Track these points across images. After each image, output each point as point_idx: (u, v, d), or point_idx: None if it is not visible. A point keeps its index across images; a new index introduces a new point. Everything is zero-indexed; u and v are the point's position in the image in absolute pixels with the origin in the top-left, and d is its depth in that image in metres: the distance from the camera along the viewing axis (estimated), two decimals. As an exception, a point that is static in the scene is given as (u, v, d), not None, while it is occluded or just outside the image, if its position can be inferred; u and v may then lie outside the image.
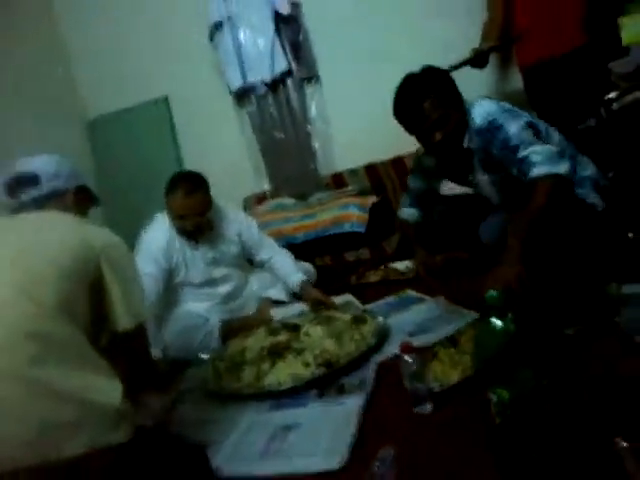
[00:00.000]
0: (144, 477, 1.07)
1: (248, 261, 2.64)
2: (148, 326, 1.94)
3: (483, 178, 1.92)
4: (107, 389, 1.09)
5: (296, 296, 2.44)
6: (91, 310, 1.17)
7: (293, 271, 2.44)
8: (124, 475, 1.04)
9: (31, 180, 1.37)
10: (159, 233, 2.28)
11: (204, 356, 1.95)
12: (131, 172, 3.65)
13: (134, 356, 1.33)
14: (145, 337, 1.34)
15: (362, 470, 1.11)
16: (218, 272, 2.41)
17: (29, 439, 0.98)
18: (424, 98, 1.78)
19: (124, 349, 1.27)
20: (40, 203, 1.37)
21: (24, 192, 1.37)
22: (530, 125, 1.72)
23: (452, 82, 1.87)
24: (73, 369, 1.06)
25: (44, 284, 1.10)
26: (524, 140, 1.67)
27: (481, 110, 1.81)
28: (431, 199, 2.28)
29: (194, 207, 2.22)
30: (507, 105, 1.83)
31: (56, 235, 1.21)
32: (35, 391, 1.01)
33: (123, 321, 1.22)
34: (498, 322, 0.94)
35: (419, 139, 1.92)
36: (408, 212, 2.29)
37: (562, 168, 1.59)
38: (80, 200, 1.47)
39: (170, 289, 2.30)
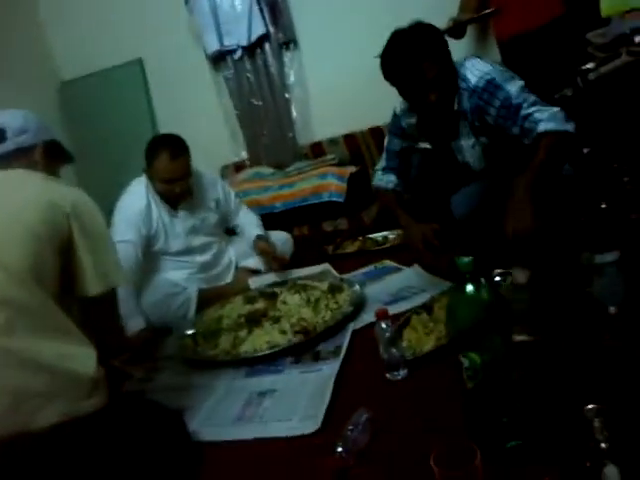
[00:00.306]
0: (120, 442, 1.07)
1: (227, 231, 2.63)
2: (128, 295, 1.97)
3: (468, 143, 1.86)
4: (81, 357, 1.07)
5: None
6: (60, 274, 1.13)
7: (252, 227, 2.48)
8: (99, 442, 1.04)
9: None
10: (137, 199, 2.23)
11: (189, 332, 1.94)
12: (104, 136, 3.55)
13: (102, 323, 1.28)
14: (115, 304, 1.30)
15: (336, 434, 1.13)
16: (197, 240, 2.39)
17: (1, 410, 0.97)
18: (420, 57, 1.67)
19: (92, 315, 1.23)
20: (6, 160, 1.29)
21: None
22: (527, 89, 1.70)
23: (444, 40, 1.77)
24: (44, 337, 1.04)
25: (10, 246, 1.06)
26: (527, 99, 1.64)
27: (475, 70, 1.74)
28: (409, 157, 2.13)
29: (180, 171, 2.19)
30: (500, 66, 1.79)
31: (23, 195, 1.16)
32: (5, 361, 0.99)
33: (93, 286, 1.18)
34: (471, 288, 0.96)
35: (410, 100, 1.84)
36: (386, 179, 2.12)
37: (570, 126, 1.57)
38: (49, 156, 1.38)
39: (148, 257, 2.28)
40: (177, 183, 2.19)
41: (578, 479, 0.88)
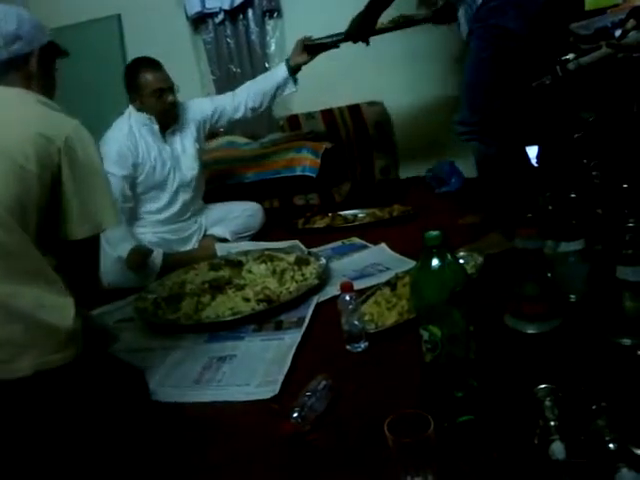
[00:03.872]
0: (84, 396, 1.04)
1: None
2: (119, 228, 2.05)
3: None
4: (59, 308, 1.01)
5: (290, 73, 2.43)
6: (45, 214, 1.04)
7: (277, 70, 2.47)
8: (63, 396, 1.00)
9: None
10: (119, 129, 2.26)
11: (150, 295, 1.92)
12: (76, 90, 3.44)
13: (82, 269, 1.19)
14: (98, 249, 1.21)
15: (293, 400, 1.13)
16: (181, 176, 2.39)
17: None
18: None
19: (73, 260, 1.15)
20: None
21: None
22: None
23: None
24: (23, 284, 0.97)
25: None
26: None
27: None
28: None
29: (167, 79, 2.27)
30: None
31: (12, 126, 1.03)
32: None
33: (79, 228, 1.08)
34: (437, 262, 0.96)
35: None
36: None
37: None
38: (46, 62, 1.23)
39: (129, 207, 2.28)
40: (167, 92, 2.25)
41: (525, 455, 0.90)
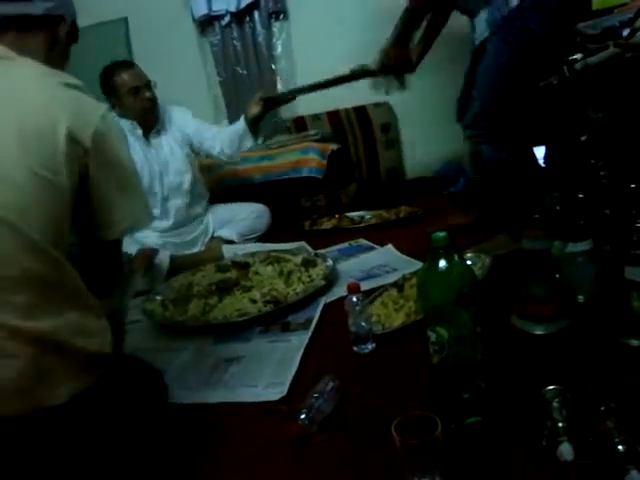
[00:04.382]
0: (112, 407, 1.00)
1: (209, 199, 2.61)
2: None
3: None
4: (100, 333, 0.96)
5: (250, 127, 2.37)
6: (73, 222, 0.95)
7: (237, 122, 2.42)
8: (96, 410, 0.96)
9: None
10: None
11: (158, 297, 1.93)
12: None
13: (107, 269, 1.11)
14: (121, 249, 1.13)
15: (300, 402, 1.14)
16: (171, 177, 2.39)
17: (22, 386, 0.86)
18: None
19: (100, 262, 1.07)
20: (26, 28, 1.03)
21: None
22: None
23: None
24: (62, 314, 0.90)
25: (24, 204, 0.84)
26: None
27: None
28: None
29: (142, 76, 2.27)
30: None
31: (38, 126, 0.88)
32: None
33: (110, 231, 1.01)
34: (444, 263, 0.96)
35: None
36: None
37: None
38: (70, 39, 1.13)
39: None
40: (144, 89, 2.26)
41: (533, 456, 0.90)
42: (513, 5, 1.67)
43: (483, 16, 1.75)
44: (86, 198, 0.96)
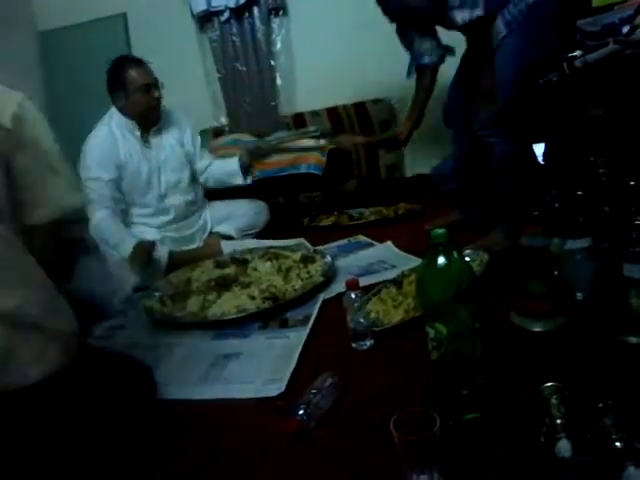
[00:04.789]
0: (89, 395, 1.03)
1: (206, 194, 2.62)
2: (117, 224, 2.16)
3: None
4: (65, 311, 1.01)
5: (242, 169, 2.50)
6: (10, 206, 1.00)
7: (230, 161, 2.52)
8: (72, 395, 0.99)
9: None
10: (101, 133, 2.27)
11: (156, 293, 1.93)
12: (81, 90, 3.45)
13: (45, 256, 1.08)
14: (59, 231, 1.13)
15: (298, 398, 1.13)
16: (169, 177, 2.39)
17: None
18: None
19: (35, 248, 1.06)
20: None
21: None
22: None
23: None
24: (30, 291, 0.96)
25: None
26: None
27: None
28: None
29: (152, 75, 2.27)
30: None
31: None
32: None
33: (40, 213, 1.04)
34: (443, 260, 0.96)
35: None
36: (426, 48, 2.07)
37: None
38: None
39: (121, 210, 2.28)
40: (153, 89, 2.26)
41: (531, 453, 0.90)
42: (530, 1, 1.69)
43: (499, 20, 1.76)
44: (12, 180, 1.00)
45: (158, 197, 2.36)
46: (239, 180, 2.50)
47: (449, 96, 2.16)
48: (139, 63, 2.26)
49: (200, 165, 2.51)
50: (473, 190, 2.20)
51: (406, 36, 2.08)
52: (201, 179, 2.54)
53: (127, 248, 2.10)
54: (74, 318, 1.02)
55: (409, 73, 2.17)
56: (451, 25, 1.90)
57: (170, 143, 2.40)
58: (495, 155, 1.85)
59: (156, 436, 1.14)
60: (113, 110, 2.30)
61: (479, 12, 1.78)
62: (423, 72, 2.13)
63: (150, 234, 2.31)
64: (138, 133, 2.30)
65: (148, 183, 2.33)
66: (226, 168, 2.49)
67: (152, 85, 2.26)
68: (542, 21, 1.70)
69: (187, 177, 2.45)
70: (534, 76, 1.72)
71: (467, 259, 1.66)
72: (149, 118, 2.31)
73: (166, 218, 2.39)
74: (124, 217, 2.29)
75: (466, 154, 2.15)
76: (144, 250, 2.13)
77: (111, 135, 2.26)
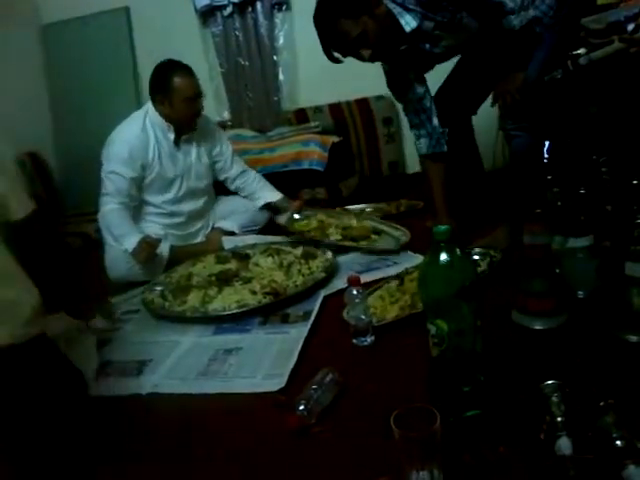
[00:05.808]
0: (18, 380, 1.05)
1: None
2: (121, 218, 2.14)
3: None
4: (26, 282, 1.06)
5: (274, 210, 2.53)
6: None
7: (272, 188, 2.55)
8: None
9: None
10: (133, 127, 2.23)
11: (157, 288, 1.93)
12: (84, 83, 3.45)
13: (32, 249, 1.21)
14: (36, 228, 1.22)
15: (299, 393, 1.14)
16: (192, 183, 2.38)
17: None
18: (336, 18, 1.63)
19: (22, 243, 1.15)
20: None
21: None
22: None
23: None
24: None
25: None
26: None
27: None
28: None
29: (199, 87, 2.26)
30: None
31: None
32: None
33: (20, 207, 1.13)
34: (445, 257, 0.96)
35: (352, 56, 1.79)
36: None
37: None
38: None
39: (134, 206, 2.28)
40: (199, 100, 2.24)
41: (532, 450, 0.90)
42: None
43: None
44: None
45: (173, 200, 2.34)
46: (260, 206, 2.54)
47: (442, 89, 2.10)
48: (189, 72, 2.21)
49: (232, 173, 2.51)
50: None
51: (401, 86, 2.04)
52: (231, 187, 2.54)
53: (131, 243, 2.09)
54: (37, 291, 1.05)
55: (426, 156, 2.03)
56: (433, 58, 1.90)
57: (199, 151, 2.38)
58: (516, 150, 1.86)
59: (158, 430, 1.15)
60: (149, 106, 2.26)
61: (533, 13, 1.71)
62: (440, 157, 2.01)
63: (154, 229, 2.30)
64: (172, 136, 2.27)
65: (169, 186, 2.31)
66: (265, 195, 2.54)
67: (199, 94, 2.24)
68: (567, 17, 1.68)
69: (205, 185, 2.45)
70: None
71: (476, 257, 1.66)
72: (186, 126, 2.28)
73: (177, 220, 2.38)
74: (135, 213, 2.27)
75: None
76: (149, 246, 2.12)
77: (144, 132, 2.22)
